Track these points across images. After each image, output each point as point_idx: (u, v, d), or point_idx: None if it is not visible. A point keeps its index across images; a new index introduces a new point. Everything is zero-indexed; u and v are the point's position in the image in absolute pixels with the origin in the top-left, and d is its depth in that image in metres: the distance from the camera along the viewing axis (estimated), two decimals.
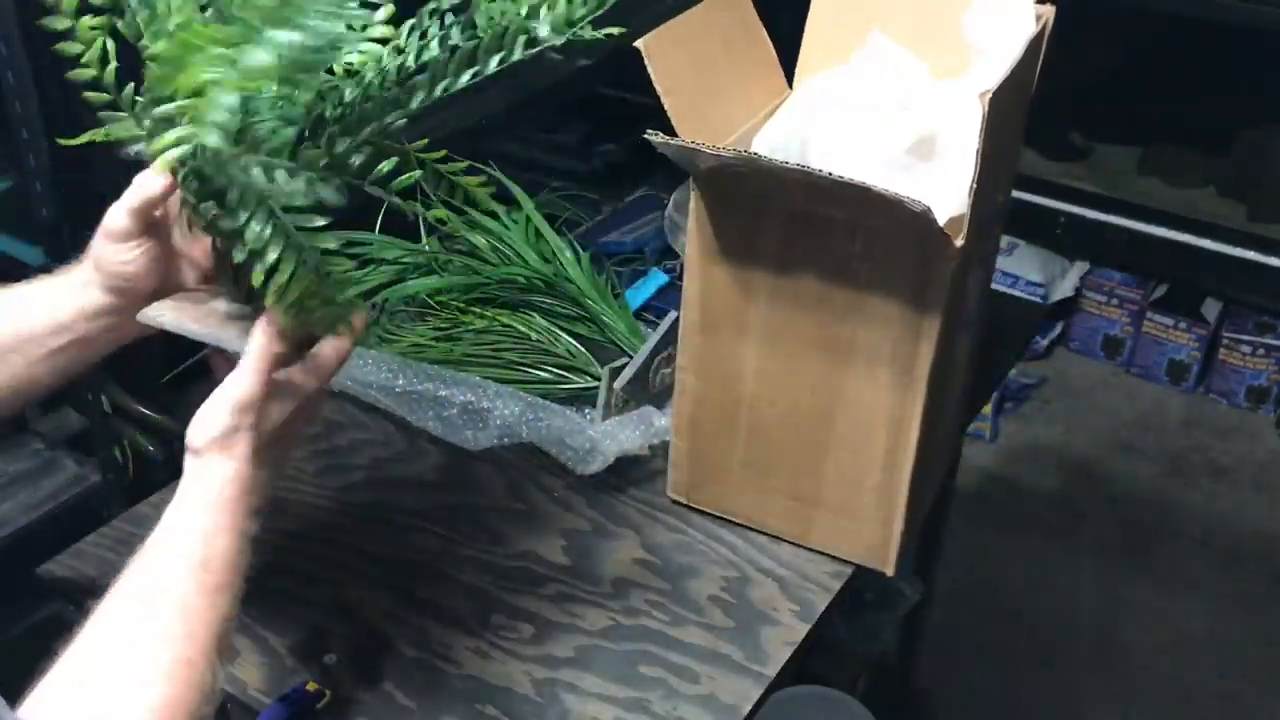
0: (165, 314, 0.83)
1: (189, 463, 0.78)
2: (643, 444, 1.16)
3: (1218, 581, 2.30)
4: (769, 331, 1.02)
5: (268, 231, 0.73)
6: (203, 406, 0.78)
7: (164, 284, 0.85)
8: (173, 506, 0.77)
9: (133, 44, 0.78)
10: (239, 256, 0.75)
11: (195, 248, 0.87)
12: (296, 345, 0.80)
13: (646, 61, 0.94)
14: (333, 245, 0.75)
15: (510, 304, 1.34)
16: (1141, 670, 2.12)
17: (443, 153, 0.85)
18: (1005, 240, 2.84)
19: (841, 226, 0.94)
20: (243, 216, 0.73)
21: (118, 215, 0.83)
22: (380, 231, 1.40)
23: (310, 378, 0.81)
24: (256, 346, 0.78)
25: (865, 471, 1.04)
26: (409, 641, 1.02)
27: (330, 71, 0.77)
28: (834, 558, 1.10)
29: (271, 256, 0.73)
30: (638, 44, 0.94)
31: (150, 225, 0.83)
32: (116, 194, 0.87)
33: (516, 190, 1.44)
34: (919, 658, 1.93)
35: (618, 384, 1.17)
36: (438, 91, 0.80)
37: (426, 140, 0.87)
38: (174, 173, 0.78)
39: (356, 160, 0.79)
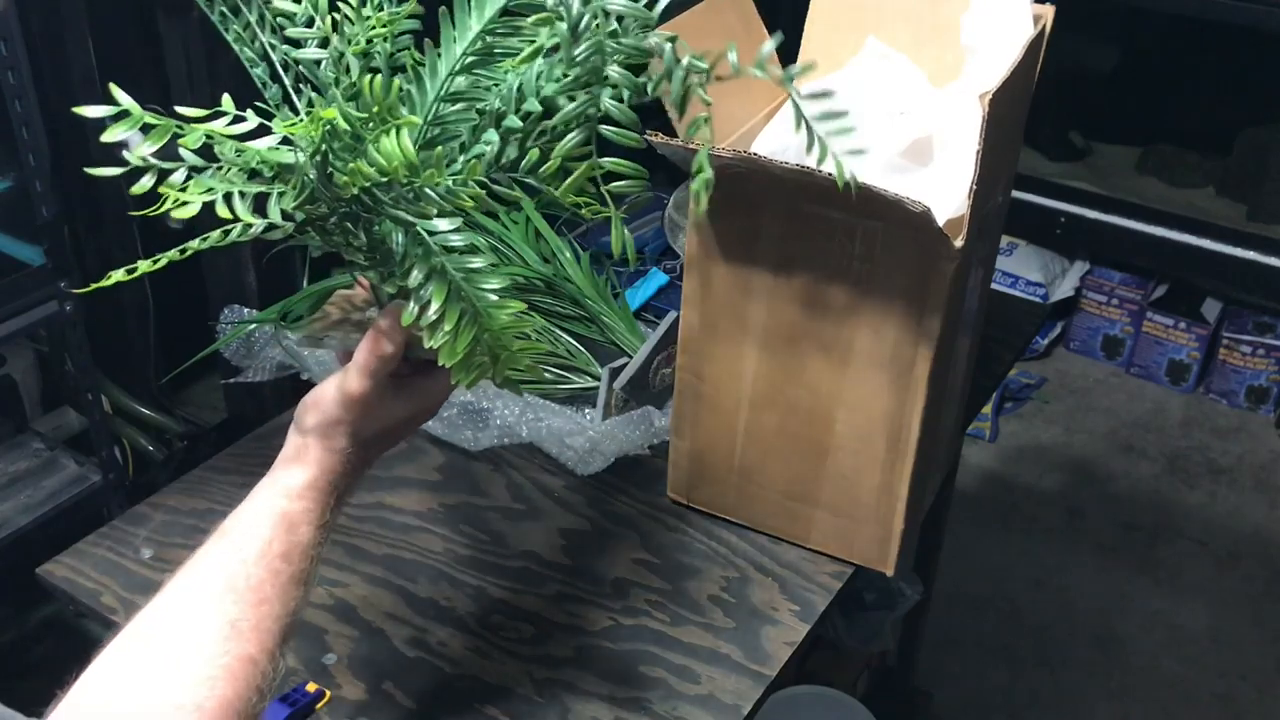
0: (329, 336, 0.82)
1: (292, 439, 0.77)
2: (643, 444, 1.16)
3: (1218, 581, 2.30)
4: (769, 332, 1.02)
5: (424, 274, 0.69)
6: (317, 389, 0.77)
7: None
8: (263, 485, 0.76)
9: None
10: (407, 319, 0.71)
11: None
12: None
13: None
14: (496, 285, 0.70)
15: None
16: (1141, 670, 2.12)
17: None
18: (1005, 240, 2.84)
19: (841, 227, 0.94)
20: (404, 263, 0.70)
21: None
22: None
23: (427, 396, 0.81)
24: (371, 346, 0.77)
25: (865, 472, 1.04)
26: (409, 641, 1.02)
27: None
28: (834, 558, 1.10)
29: (435, 306, 0.69)
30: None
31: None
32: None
33: (516, 190, 1.43)
34: (919, 658, 1.93)
35: (618, 384, 1.17)
36: None
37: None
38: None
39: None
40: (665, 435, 1.15)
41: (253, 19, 0.77)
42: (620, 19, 0.69)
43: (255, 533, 0.73)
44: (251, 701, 0.68)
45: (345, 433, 0.77)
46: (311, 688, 0.96)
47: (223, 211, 0.68)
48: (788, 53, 1.15)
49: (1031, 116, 1.13)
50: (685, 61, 0.68)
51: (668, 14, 0.97)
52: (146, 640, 0.68)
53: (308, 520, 0.75)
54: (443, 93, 0.74)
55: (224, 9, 0.77)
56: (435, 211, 0.68)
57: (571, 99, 0.70)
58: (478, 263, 0.70)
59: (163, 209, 0.67)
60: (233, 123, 0.68)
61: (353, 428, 0.77)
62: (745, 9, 1.09)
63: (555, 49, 0.71)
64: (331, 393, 0.77)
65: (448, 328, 0.70)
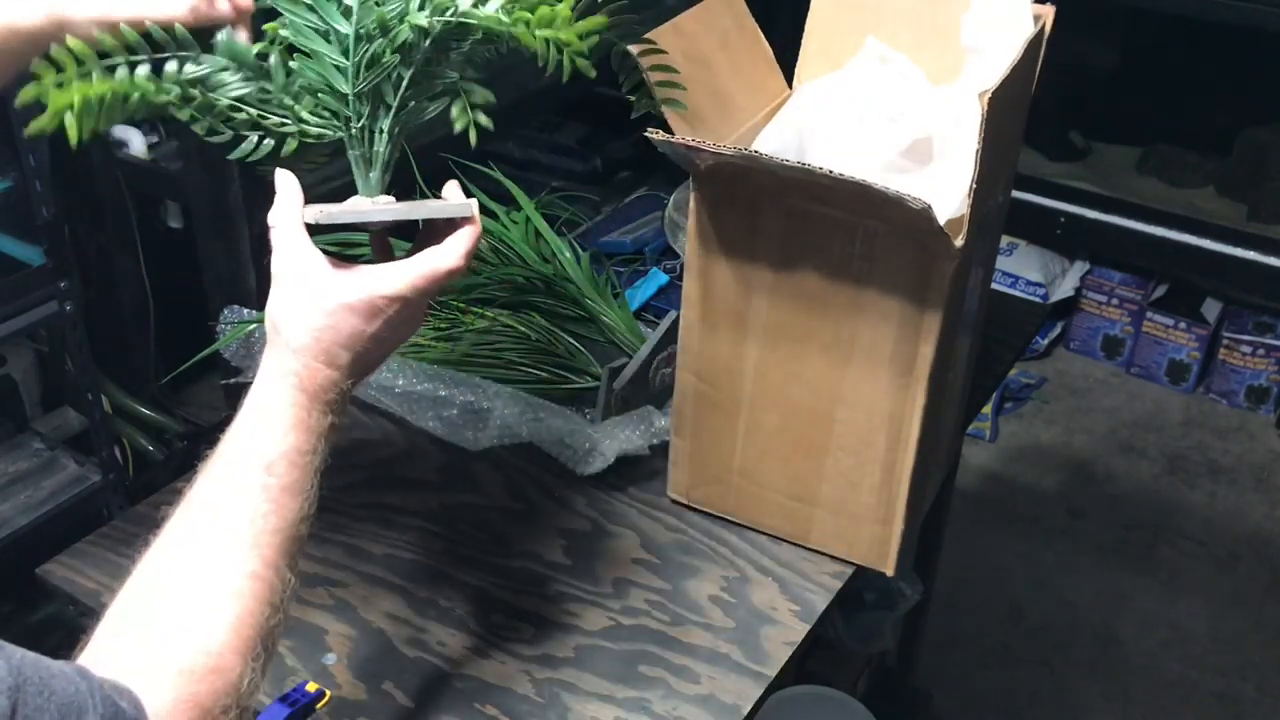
0: (328, 211, 0.81)
1: (273, 347, 0.76)
2: (643, 444, 1.16)
3: (1218, 581, 2.30)
4: (769, 331, 1.02)
5: None
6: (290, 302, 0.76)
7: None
8: (252, 392, 0.75)
9: None
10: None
11: None
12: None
13: (639, 65, 0.94)
14: None
15: (510, 304, 1.34)
16: (1141, 670, 2.12)
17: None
18: (1005, 240, 2.84)
19: (841, 226, 0.94)
20: None
21: None
22: None
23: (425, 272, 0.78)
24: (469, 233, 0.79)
25: (865, 471, 1.04)
26: (409, 641, 1.02)
27: None
28: (834, 558, 1.10)
29: None
30: (630, 48, 0.94)
31: None
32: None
33: (516, 190, 1.44)
34: (919, 658, 1.93)
35: (618, 384, 1.17)
36: None
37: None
38: None
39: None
40: (665, 435, 1.15)
41: None
42: None
43: (242, 450, 0.73)
44: (263, 614, 0.69)
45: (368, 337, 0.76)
46: (312, 688, 0.96)
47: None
48: (788, 53, 1.16)
49: (1031, 116, 1.13)
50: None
51: (663, 16, 0.98)
52: (154, 572, 0.69)
53: (295, 425, 0.74)
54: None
55: None
56: None
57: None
58: None
59: None
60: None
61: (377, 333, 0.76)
62: (739, 11, 1.09)
63: None
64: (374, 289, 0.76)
65: None
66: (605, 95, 2.50)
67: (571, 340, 1.30)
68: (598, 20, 0.78)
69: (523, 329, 1.30)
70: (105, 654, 0.65)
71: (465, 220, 0.80)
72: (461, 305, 1.34)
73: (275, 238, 0.78)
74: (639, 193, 1.70)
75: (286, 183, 0.80)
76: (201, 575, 0.69)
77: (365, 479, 1.20)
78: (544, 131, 2.73)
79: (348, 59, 0.80)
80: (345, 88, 0.81)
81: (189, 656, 0.66)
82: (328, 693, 0.96)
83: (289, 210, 0.79)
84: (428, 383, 1.20)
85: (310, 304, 0.75)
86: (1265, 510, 2.47)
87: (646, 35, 0.95)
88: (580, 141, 2.70)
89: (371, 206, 0.82)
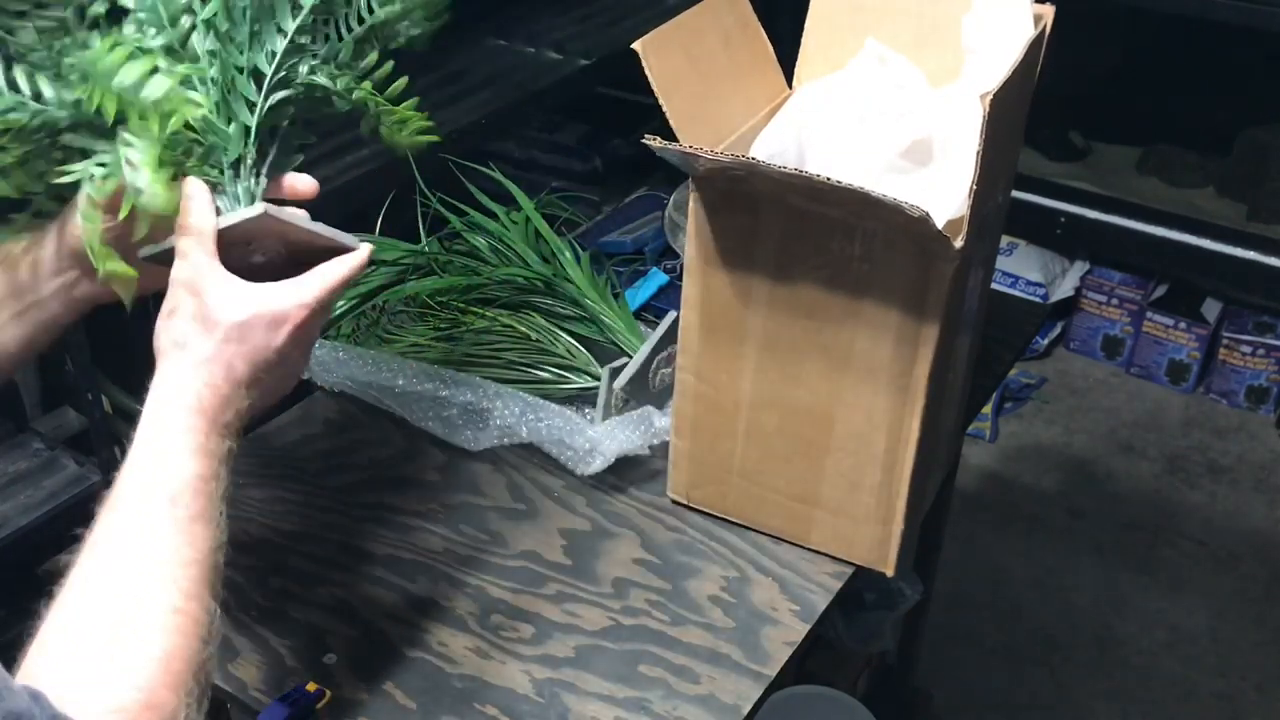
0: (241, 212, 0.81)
1: (171, 366, 0.75)
2: (643, 444, 1.16)
3: (1218, 581, 2.30)
4: (769, 333, 1.02)
5: None
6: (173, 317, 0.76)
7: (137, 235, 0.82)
8: (145, 422, 0.74)
9: None
10: None
11: None
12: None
13: (643, 63, 0.94)
14: None
15: (510, 304, 1.34)
16: (1141, 670, 2.12)
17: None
18: (1005, 240, 2.84)
19: (840, 227, 0.94)
20: None
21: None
22: (380, 233, 1.41)
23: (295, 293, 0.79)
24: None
25: (865, 472, 1.04)
26: (409, 641, 1.02)
27: None
28: (834, 558, 1.10)
29: None
30: (635, 45, 0.94)
31: None
32: None
33: (516, 190, 1.44)
34: (919, 658, 1.93)
35: (618, 384, 1.17)
36: None
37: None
38: None
39: None
40: (665, 435, 1.15)
41: None
42: None
43: (143, 484, 0.72)
44: (193, 649, 0.68)
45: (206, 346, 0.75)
46: (311, 688, 0.96)
47: None
48: (788, 53, 1.16)
49: (1031, 116, 1.13)
50: None
51: (664, 16, 0.98)
52: (77, 612, 0.69)
53: (192, 453, 0.73)
54: None
55: None
56: None
57: None
58: None
59: None
60: None
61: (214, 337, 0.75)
62: (742, 10, 1.09)
63: None
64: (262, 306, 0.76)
65: None
66: (605, 95, 2.50)
67: (571, 340, 1.30)
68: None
69: (523, 329, 1.30)
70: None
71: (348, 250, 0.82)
72: (461, 305, 1.34)
73: (188, 246, 0.77)
74: (639, 193, 1.70)
75: (199, 190, 0.79)
76: (124, 615, 0.68)
77: (365, 479, 1.20)
78: (544, 131, 2.73)
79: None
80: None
81: (121, 694, 0.65)
82: (328, 693, 0.96)
83: (204, 218, 0.78)
84: (428, 383, 1.20)
85: (223, 313, 0.75)
86: (1265, 510, 2.47)
87: (650, 34, 0.95)
88: (580, 141, 2.70)
89: (280, 210, 0.82)
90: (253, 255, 0.83)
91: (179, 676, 0.67)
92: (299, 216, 0.82)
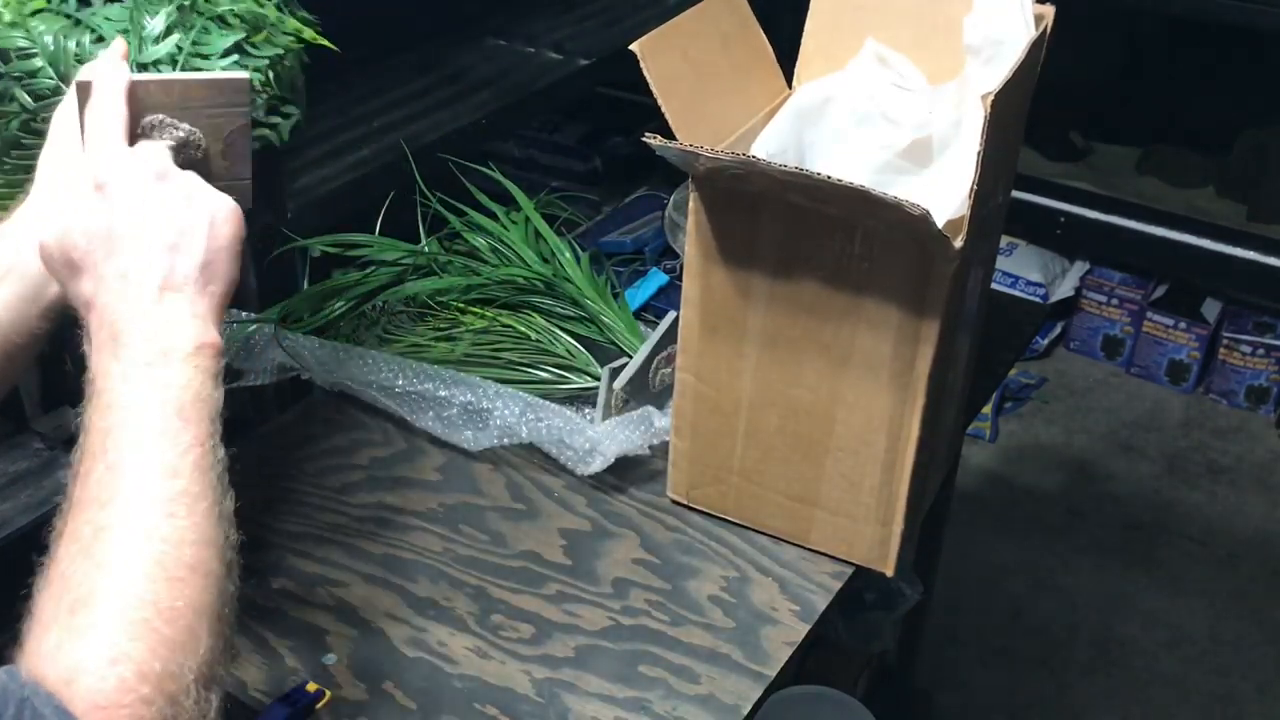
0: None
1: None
2: (643, 444, 1.16)
3: (1218, 581, 2.30)
4: (769, 332, 1.02)
5: None
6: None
7: None
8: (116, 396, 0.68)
9: None
10: None
11: None
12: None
13: (642, 64, 0.94)
14: None
15: (510, 304, 1.34)
16: (1141, 670, 2.12)
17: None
18: (1005, 240, 2.84)
19: (841, 227, 0.94)
20: None
21: (73, 122, 0.77)
22: (380, 233, 1.40)
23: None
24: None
25: (865, 472, 1.04)
26: (409, 641, 1.02)
27: None
28: (834, 558, 1.10)
29: None
30: (633, 47, 0.94)
31: None
32: None
33: (516, 190, 1.44)
34: (919, 658, 1.93)
35: (618, 384, 1.17)
36: None
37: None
38: None
39: None
40: (665, 435, 1.15)
41: None
42: None
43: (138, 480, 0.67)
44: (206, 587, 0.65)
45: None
46: (311, 688, 0.96)
47: None
48: (788, 53, 1.16)
49: (1031, 116, 1.13)
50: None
51: (664, 16, 0.98)
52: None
53: (195, 438, 0.69)
54: None
55: None
56: None
57: None
58: None
59: None
60: None
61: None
62: (741, 11, 1.09)
63: None
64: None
65: None
66: (605, 95, 2.50)
67: (571, 340, 1.30)
68: None
69: (523, 329, 1.30)
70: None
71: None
72: (461, 305, 1.34)
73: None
74: (639, 193, 1.70)
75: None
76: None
77: (365, 479, 1.20)
78: (544, 131, 2.73)
79: None
80: None
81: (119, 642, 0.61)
82: (328, 693, 0.96)
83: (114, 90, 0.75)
84: (428, 383, 1.20)
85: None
86: (1265, 510, 2.47)
87: (648, 36, 0.95)
88: (580, 141, 2.70)
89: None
90: (158, 137, 0.80)
91: (182, 615, 0.63)
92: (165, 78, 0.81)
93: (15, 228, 0.81)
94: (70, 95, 0.81)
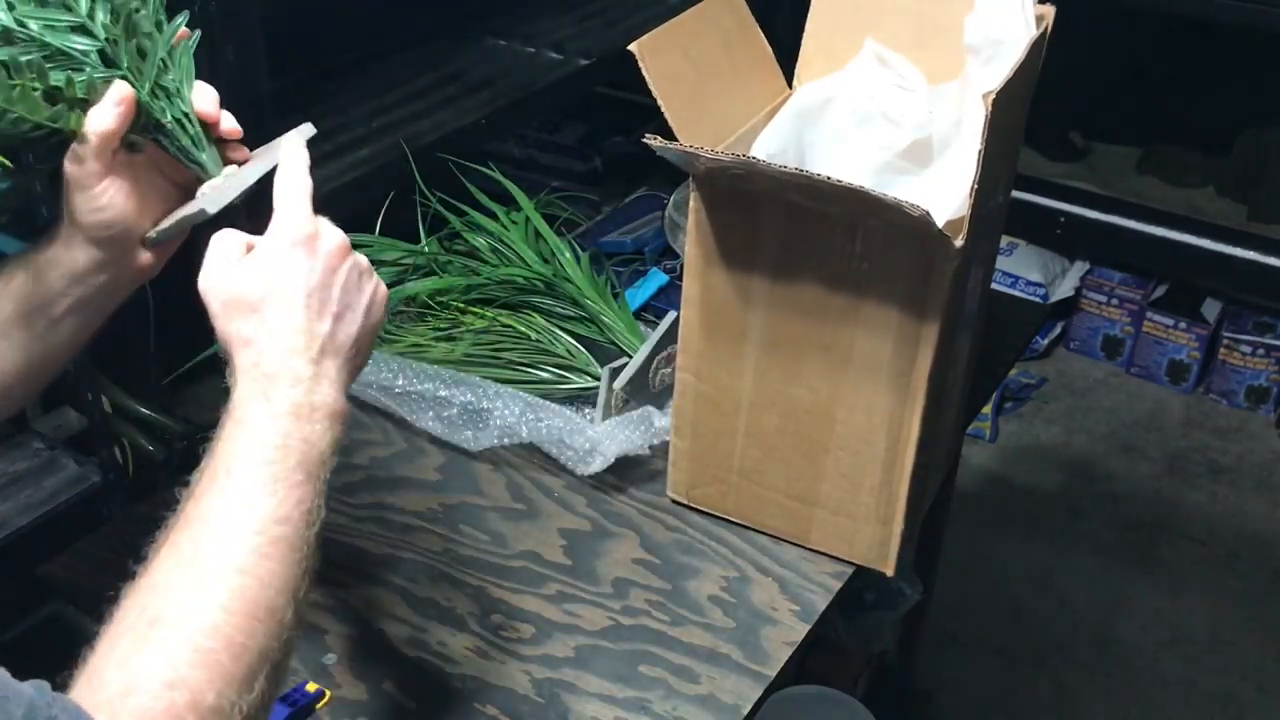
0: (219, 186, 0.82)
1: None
2: (643, 444, 1.16)
3: (1218, 581, 2.30)
4: (769, 332, 1.02)
5: None
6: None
7: (142, 217, 0.83)
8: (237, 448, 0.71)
9: None
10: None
11: (168, 172, 0.85)
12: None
13: (641, 64, 0.94)
14: None
15: (510, 304, 1.34)
16: (1141, 670, 2.12)
17: None
18: (1005, 240, 2.84)
19: (841, 227, 0.94)
20: None
21: (80, 163, 0.79)
22: (380, 233, 1.41)
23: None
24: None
25: (865, 472, 1.04)
26: (409, 641, 1.02)
27: None
28: (834, 558, 1.10)
29: None
30: (631, 48, 0.94)
31: (114, 162, 0.80)
32: None
33: (516, 190, 1.44)
34: (919, 658, 1.93)
35: (618, 384, 1.17)
36: None
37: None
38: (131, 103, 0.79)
39: None
40: (665, 435, 1.15)
41: None
42: None
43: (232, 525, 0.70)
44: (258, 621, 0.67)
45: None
46: (311, 688, 0.96)
47: None
48: (788, 53, 1.16)
49: (1031, 116, 1.13)
50: None
51: (663, 16, 0.98)
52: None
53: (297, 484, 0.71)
54: None
55: None
56: None
57: None
58: None
59: None
60: None
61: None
62: (740, 11, 1.09)
63: None
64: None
65: None
66: (605, 95, 2.50)
67: (571, 340, 1.30)
68: None
69: (523, 329, 1.31)
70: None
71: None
72: (461, 305, 1.34)
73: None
74: (639, 193, 1.70)
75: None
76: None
77: (365, 479, 1.20)
78: (544, 131, 2.73)
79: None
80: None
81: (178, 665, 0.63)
82: (328, 693, 0.96)
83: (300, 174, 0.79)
84: (428, 383, 1.20)
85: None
86: (1265, 510, 2.47)
87: (647, 36, 0.95)
88: (580, 141, 2.70)
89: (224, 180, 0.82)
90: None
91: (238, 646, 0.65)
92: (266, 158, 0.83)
93: (66, 272, 0.83)
94: (79, 161, 0.81)
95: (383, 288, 0.80)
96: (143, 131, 0.81)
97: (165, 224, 0.83)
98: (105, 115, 0.77)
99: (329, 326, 0.75)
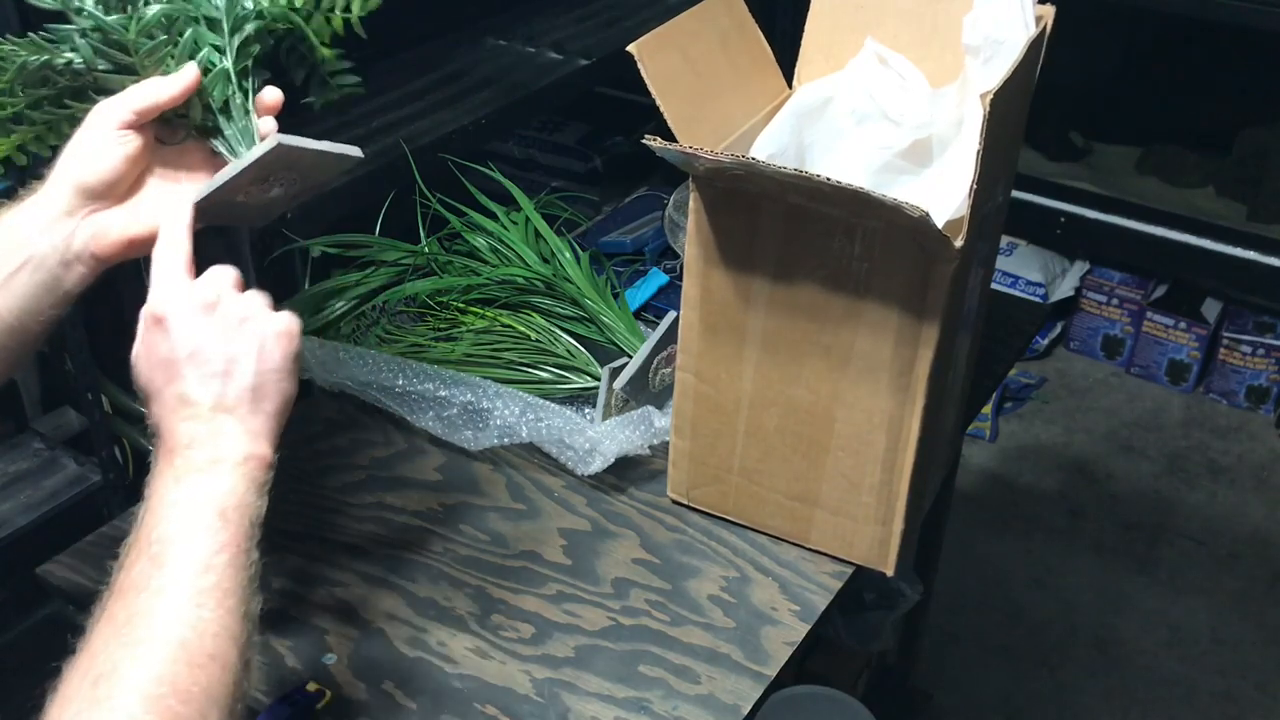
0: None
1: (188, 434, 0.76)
2: (643, 444, 1.16)
3: (1218, 581, 2.30)
4: (769, 332, 1.02)
5: None
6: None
7: (131, 188, 0.85)
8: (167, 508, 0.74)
9: None
10: None
11: (180, 156, 0.88)
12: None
13: (640, 65, 0.94)
14: None
15: (510, 304, 1.34)
16: (1141, 670, 2.12)
17: None
18: (1005, 240, 2.84)
19: (841, 228, 0.94)
20: None
21: (117, 107, 0.82)
22: (380, 233, 1.41)
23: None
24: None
25: (865, 472, 1.04)
26: (409, 641, 1.02)
27: None
28: (834, 558, 1.10)
29: None
30: (630, 48, 0.94)
31: (142, 129, 0.84)
32: None
33: (516, 190, 1.44)
34: (919, 658, 1.93)
35: (618, 384, 1.17)
36: None
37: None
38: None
39: None
40: (665, 435, 1.15)
41: None
42: None
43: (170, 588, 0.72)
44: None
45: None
46: (312, 688, 0.96)
47: None
48: (788, 53, 1.16)
49: (1031, 116, 1.13)
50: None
51: (663, 16, 0.98)
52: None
53: (226, 543, 0.74)
54: None
55: None
56: None
57: None
58: None
59: None
60: None
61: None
62: (739, 11, 1.09)
63: None
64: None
65: None
66: (605, 95, 2.50)
67: (571, 340, 1.30)
68: None
69: (523, 329, 1.31)
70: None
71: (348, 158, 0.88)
72: (461, 305, 1.34)
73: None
74: (639, 193, 1.70)
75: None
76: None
77: (365, 479, 1.20)
78: (544, 131, 2.73)
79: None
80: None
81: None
82: (328, 693, 0.96)
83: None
84: (428, 383, 1.20)
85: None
86: (1265, 510, 2.47)
87: (645, 36, 0.95)
88: (580, 141, 2.70)
89: (287, 136, 0.85)
90: (270, 190, 0.86)
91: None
92: (301, 139, 0.85)
93: (33, 215, 0.83)
94: (115, 100, 0.83)
95: (273, 323, 0.79)
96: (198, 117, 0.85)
97: (217, 183, 0.84)
98: (171, 82, 0.83)
99: (217, 386, 0.77)
